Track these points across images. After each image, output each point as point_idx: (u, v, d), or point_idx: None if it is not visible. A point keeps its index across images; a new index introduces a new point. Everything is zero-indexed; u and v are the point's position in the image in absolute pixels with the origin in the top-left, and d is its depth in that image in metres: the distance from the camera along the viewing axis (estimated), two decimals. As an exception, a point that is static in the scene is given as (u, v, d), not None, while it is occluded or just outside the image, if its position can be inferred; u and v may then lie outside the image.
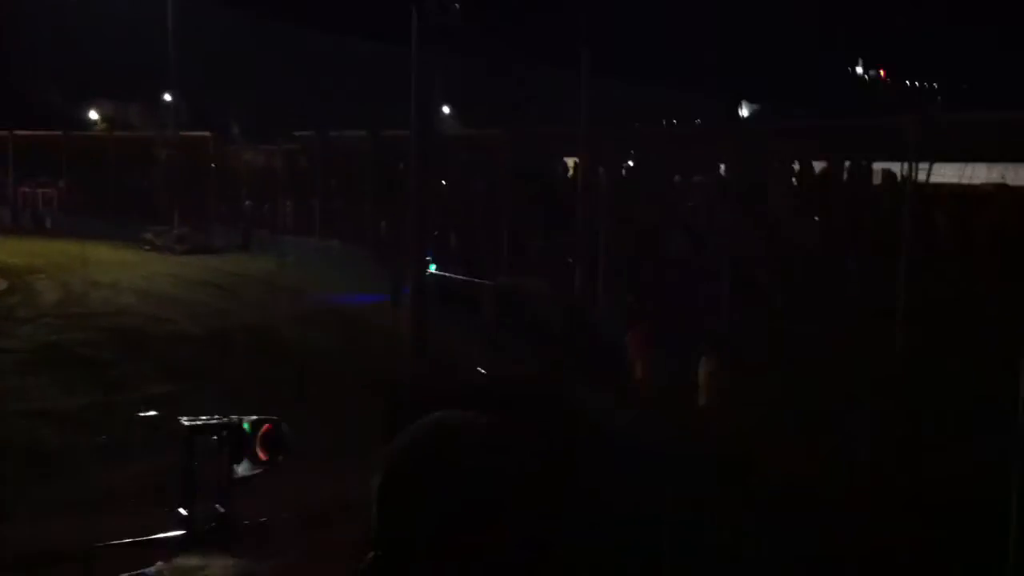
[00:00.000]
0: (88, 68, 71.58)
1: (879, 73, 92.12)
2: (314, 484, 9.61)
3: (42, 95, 67.56)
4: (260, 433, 5.98)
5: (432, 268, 22.83)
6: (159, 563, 5.30)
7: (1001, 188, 19.49)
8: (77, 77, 68.99)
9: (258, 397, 13.48)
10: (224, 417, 6.09)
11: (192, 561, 5.37)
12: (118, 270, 32.82)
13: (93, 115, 70.26)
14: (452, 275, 24.74)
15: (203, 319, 24.44)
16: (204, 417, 6.39)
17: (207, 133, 50.95)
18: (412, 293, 20.52)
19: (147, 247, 40.87)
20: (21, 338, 21.72)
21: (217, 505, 5.95)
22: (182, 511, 5.86)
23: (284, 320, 23.40)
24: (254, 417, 5.99)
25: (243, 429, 5.75)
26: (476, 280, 24.10)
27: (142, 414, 15.34)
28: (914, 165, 16.84)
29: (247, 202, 46.43)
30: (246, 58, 63.15)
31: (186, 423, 6.21)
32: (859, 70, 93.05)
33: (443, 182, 33.31)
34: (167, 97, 55.56)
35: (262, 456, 5.96)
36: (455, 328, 21.67)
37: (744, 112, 67.20)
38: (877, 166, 21.47)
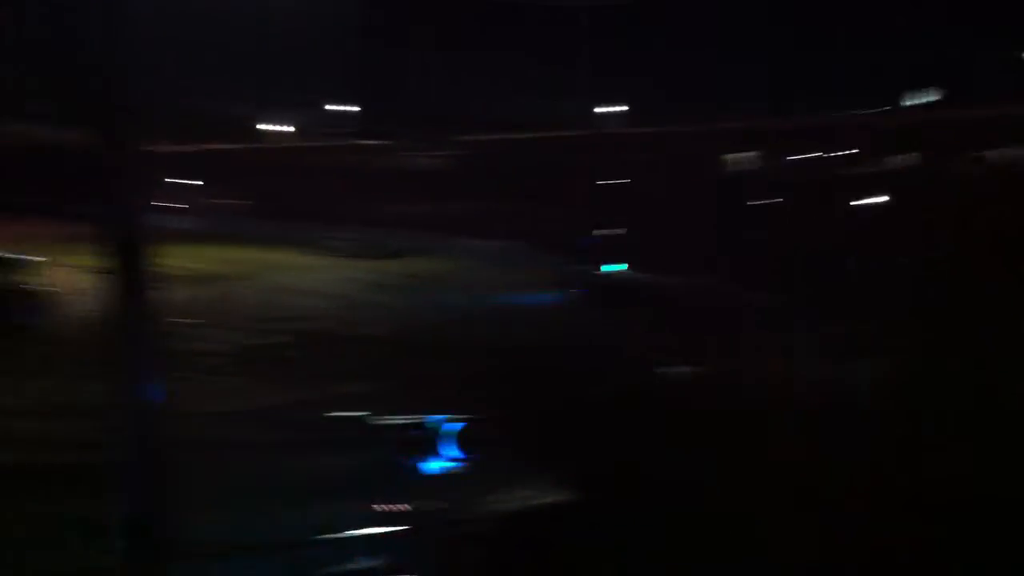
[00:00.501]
0: (268, 81, 74.68)
1: None
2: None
3: (227, 109, 70.93)
4: (454, 431, 6.11)
5: (615, 268, 22.79)
6: (360, 556, 5.48)
7: None
8: (260, 90, 72.14)
9: (443, 396, 13.73)
10: (418, 415, 6.25)
11: (388, 557, 5.53)
12: (304, 275, 34.12)
13: (274, 127, 73.22)
14: (635, 274, 24.64)
15: (387, 320, 25.15)
16: (398, 415, 6.57)
17: (380, 141, 52.43)
18: (591, 292, 20.55)
19: (330, 252, 42.26)
20: (218, 341, 22.77)
21: (410, 500, 6.08)
22: (378, 506, 6.00)
23: (464, 320, 23.80)
24: (448, 416, 6.11)
25: (437, 427, 5.89)
26: (657, 279, 23.92)
27: (334, 413, 15.95)
28: None
29: (423, 206, 47.40)
30: (400, 63, 64.48)
31: (380, 421, 6.40)
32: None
33: (619, 181, 33.19)
34: (339, 107, 57.47)
35: (456, 454, 6.08)
36: (638, 327, 21.54)
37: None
38: None
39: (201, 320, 25.01)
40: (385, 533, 5.65)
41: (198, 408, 15.32)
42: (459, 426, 5.42)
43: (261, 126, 71.51)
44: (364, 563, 6.55)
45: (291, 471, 12.97)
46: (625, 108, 53.79)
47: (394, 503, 5.59)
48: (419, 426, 5.43)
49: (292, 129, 69.55)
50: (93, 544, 9.89)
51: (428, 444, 5.41)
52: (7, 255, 25.75)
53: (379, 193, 48.81)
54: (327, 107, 60.84)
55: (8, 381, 18.91)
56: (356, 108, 55.13)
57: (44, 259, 25.96)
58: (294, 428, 15.13)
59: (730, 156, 30.09)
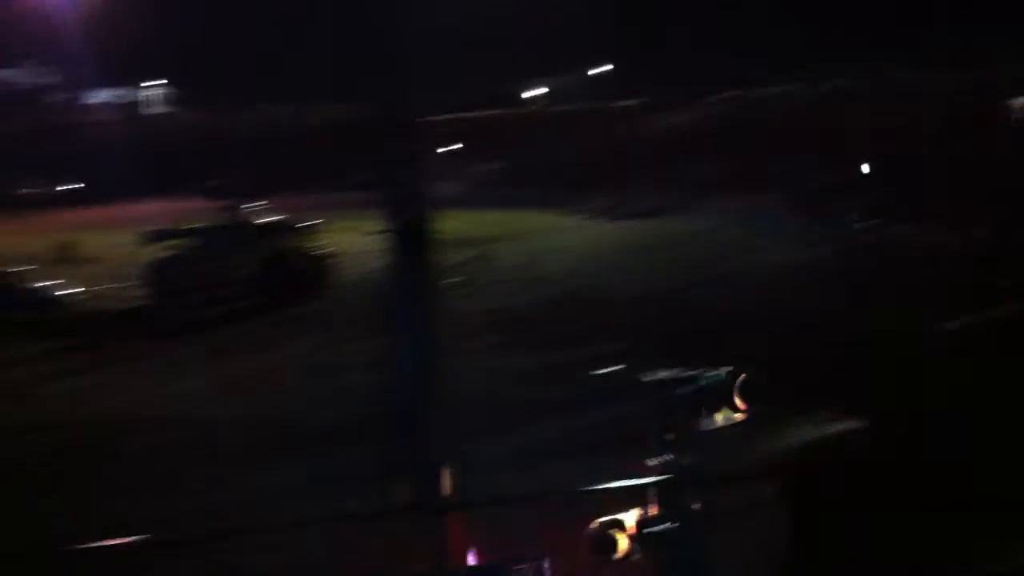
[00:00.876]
0: (521, 48, 76.05)
1: None
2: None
3: (480, 78, 72.89)
4: (737, 383, 5.98)
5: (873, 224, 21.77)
6: (635, 510, 5.54)
7: None
8: (509, 58, 73.70)
9: (706, 352, 13.64)
10: (689, 370, 6.22)
11: (664, 509, 5.57)
12: (561, 237, 34.82)
13: (529, 93, 74.72)
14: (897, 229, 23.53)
15: (642, 280, 25.27)
16: (666, 371, 6.63)
17: (632, 102, 52.41)
18: (850, 251, 19.78)
19: (585, 215, 42.90)
20: (484, 300, 23.71)
21: (685, 455, 6.03)
22: (654, 460, 5.98)
23: (717, 280, 23.57)
24: (730, 368, 5.98)
25: (720, 379, 5.77)
26: (923, 234, 22.76)
27: (597, 371, 16.25)
28: None
29: (679, 165, 47.08)
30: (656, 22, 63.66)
31: (656, 375, 6.46)
32: None
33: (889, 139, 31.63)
34: (595, 70, 57.86)
35: (741, 406, 5.96)
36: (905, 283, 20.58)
37: None
38: None
39: (464, 281, 26.15)
40: (656, 483, 5.73)
41: (467, 366, 16.06)
42: (733, 379, 5.40)
43: (522, 92, 73.20)
44: (633, 514, 6.69)
45: (557, 427, 13.40)
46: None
47: (665, 457, 5.64)
48: (691, 380, 5.45)
49: (547, 91, 70.90)
50: (365, 494, 10.62)
51: (702, 398, 5.43)
52: (291, 220, 27.86)
53: (635, 154, 48.93)
54: (583, 70, 61.58)
55: (290, 338, 20.50)
56: (609, 67, 55.33)
57: (321, 223, 27.83)
58: (558, 385, 15.56)
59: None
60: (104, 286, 28.26)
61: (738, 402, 5.46)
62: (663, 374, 6.43)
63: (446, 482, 7.99)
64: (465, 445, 9.28)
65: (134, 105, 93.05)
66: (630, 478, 6.39)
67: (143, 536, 9.06)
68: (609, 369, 13.75)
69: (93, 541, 8.72)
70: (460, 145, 60.71)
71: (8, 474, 12.29)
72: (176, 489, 11.52)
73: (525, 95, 74.00)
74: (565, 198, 44.00)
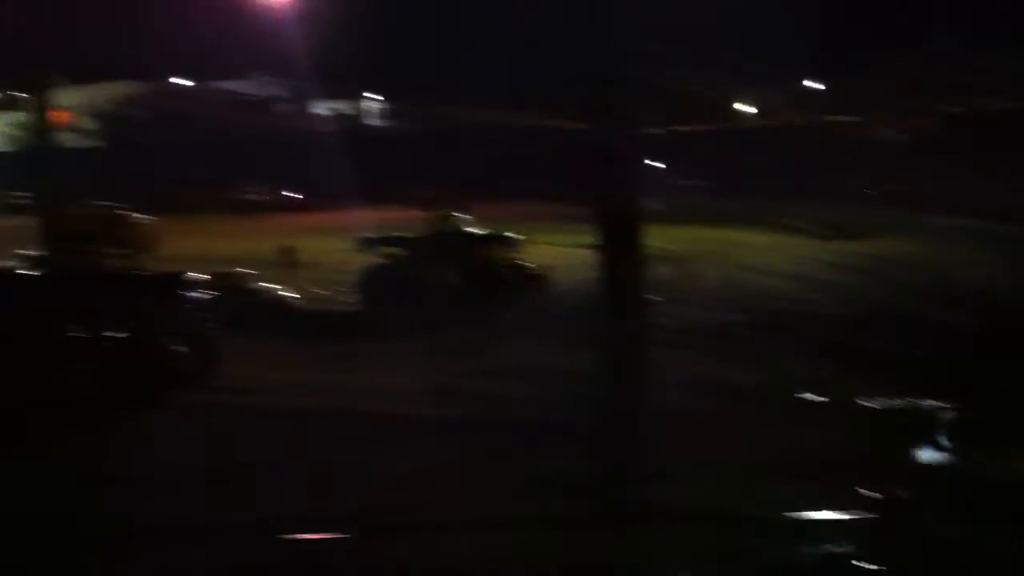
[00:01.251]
0: (732, 60, 74.84)
1: None
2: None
3: (693, 89, 72.17)
4: (947, 420, 5.85)
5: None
6: (844, 541, 5.45)
7: None
8: (723, 70, 72.64)
9: (914, 381, 13.15)
10: (908, 400, 6.06)
11: (871, 545, 5.44)
12: (767, 255, 34.13)
13: (740, 106, 73.65)
14: None
15: (851, 302, 24.50)
16: (884, 399, 6.44)
17: (844, 118, 50.91)
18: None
19: (792, 231, 41.88)
20: (678, 317, 23.48)
21: (891, 487, 5.88)
22: (865, 491, 5.85)
23: (935, 303, 22.55)
24: (940, 403, 5.85)
25: (931, 414, 5.67)
26: None
27: (800, 395, 15.89)
28: None
29: (889, 182, 45.39)
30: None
31: (868, 404, 6.31)
32: None
33: None
34: (808, 83, 56.38)
35: (948, 443, 5.82)
36: None
37: None
38: None
39: (664, 296, 26.01)
40: (859, 518, 5.53)
41: (666, 379, 16.02)
42: (949, 413, 5.17)
43: (731, 106, 72.26)
44: (833, 548, 6.48)
45: (757, 447, 13.17)
46: None
47: (872, 488, 5.45)
48: (905, 410, 5.23)
49: (756, 106, 69.67)
50: (560, 500, 10.79)
51: (916, 429, 5.21)
52: (499, 231, 28.50)
53: (843, 169, 47.46)
54: (794, 83, 60.20)
55: (498, 345, 20.98)
56: (820, 85, 53.87)
57: (523, 237, 28.35)
58: (758, 404, 15.31)
59: None
60: (320, 290, 29.81)
61: (946, 440, 5.31)
62: (876, 401, 6.27)
63: (644, 492, 8.07)
64: (665, 458, 9.33)
65: (353, 117, 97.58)
66: (837, 506, 6.22)
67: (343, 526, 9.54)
68: (809, 395, 13.49)
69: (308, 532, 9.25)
70: (665, 158, 60.46)
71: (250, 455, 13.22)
72: (383, 481, 12.04)
73: (734, 108, 72.99)
74: (771, 215, 43.07)
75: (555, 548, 8.02)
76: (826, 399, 15.22)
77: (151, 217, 38.18)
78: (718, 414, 14.91)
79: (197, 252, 31.33)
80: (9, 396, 14.71)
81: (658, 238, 33.50)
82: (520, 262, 27.25)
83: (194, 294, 17.41)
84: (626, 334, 7.30)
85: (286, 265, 32.74)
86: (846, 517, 6.40)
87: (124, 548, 9.40)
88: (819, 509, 7.65)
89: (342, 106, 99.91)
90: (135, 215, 37.62)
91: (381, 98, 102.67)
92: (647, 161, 58.72)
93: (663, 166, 60.56)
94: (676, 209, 56.48)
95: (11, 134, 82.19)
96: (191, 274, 17.83)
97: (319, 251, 38.08)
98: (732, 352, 19.66)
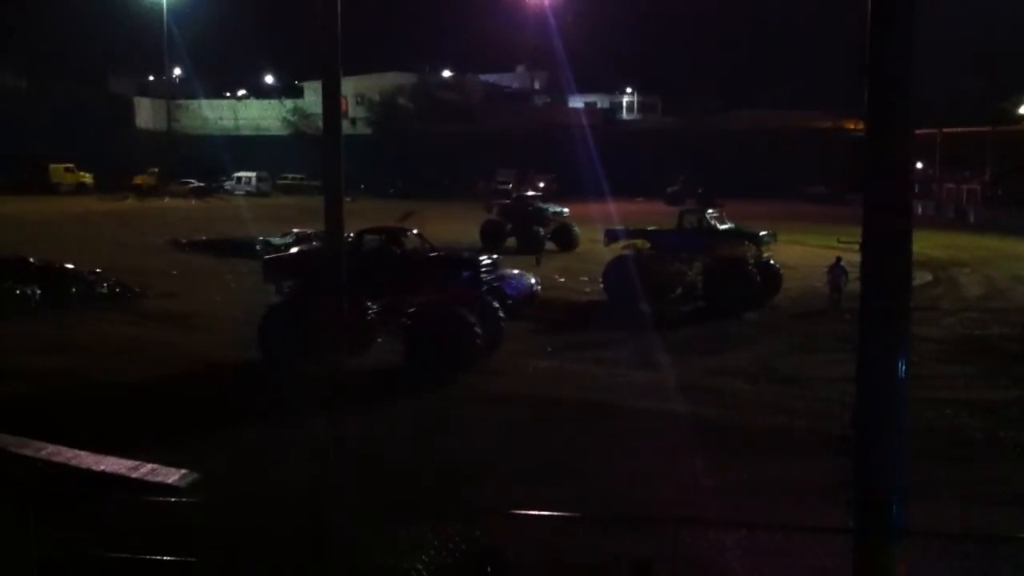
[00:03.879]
0: (1014, 59, 69.75)
1: None
2: None
3: (971, 89, 67.88)
4: None
5: None
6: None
7: None
8: (1005, 69, 67.83)
9: None
10: None
11: None
12: (1042, 266, 31.70)
13: (1022, 109, 68.50)
14: None
15: None
16: None
17: None
18: None
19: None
20: (943, 328, 22.27)
21: None
22: None
23: None
24: None
25: None
26: None
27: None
28: None
29: None
30: None
31: None
32: None
33: None
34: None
35: None
36: None
37: None
38: None
39: (926, 305, 24.72)
40: None
41: (929, 394, 15.30)
42: None
43: (1015, 108, 67.30)
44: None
45: (1009, 468, 12.40)
46: None
47: None
48: None
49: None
50: (799, 505, 10.52)
51: None
52: (745, 228, 27.94)
53: None
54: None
55: (744, 344, 20.62)
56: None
57: (774, 234, 27.66)
58: (1019, 426, 14.34)
59: None
60: (566, 279, 30.29)
61: None
62: None
63: (890, 509, 7.74)
64: (916, 475, 8.91)
65: (608, 111, 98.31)
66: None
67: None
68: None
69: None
70: (936, 160, 57.23)
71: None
72: (615, 474, 12.17)
73: (1015, 110, 67.95)
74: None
75: (786, 558, 7.89)
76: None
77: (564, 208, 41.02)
78: (974, 433, 14.08)
79: (449, 236, 32.66)
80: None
81: (923, 244, 32.07)
82: (767, 260, 26.61)
83: (485, 275, 18.72)
84: (887, 344, 6.99)
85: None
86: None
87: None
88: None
89: (599, 99, 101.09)
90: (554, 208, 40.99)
91: (636, 93, 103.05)
92: (920, 164, 55.93)
93: (935, 169, 57.52)
94: (949, 215, 53.62)
95: (291, 120, 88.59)
96: (484, 257, 19.30)
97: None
98: (997, 367, 18.43)
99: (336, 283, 16.70)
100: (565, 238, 39.17)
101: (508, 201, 43.43)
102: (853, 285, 24.97)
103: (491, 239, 38.26)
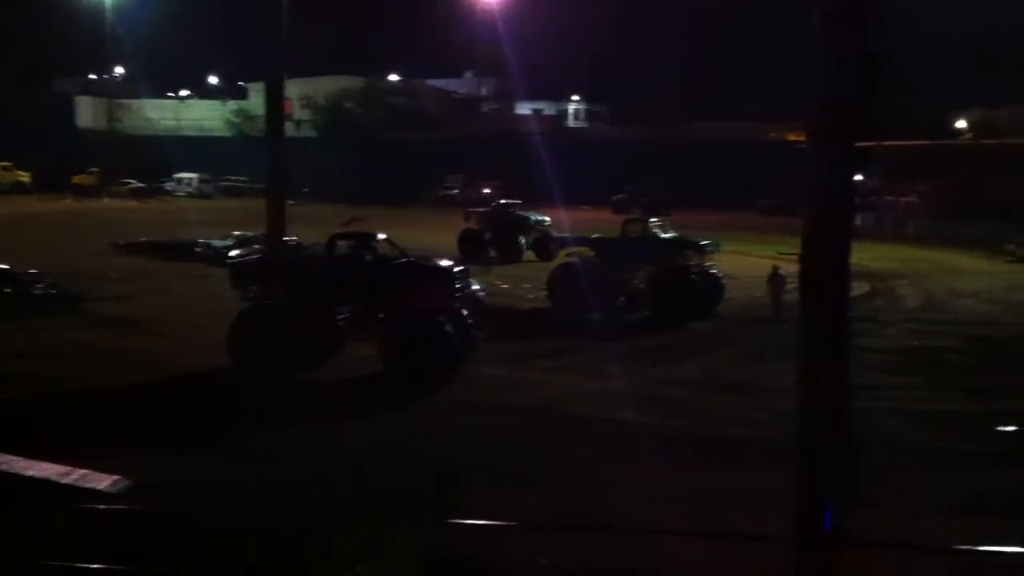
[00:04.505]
0: (957, 74, 71.10)
1: None
2: None
3: (909, 105, 69.05)
4: None
5: None
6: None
7: None
8: (946, 86, 69.16)
9: None
10: None
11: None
12: (978, 279, 32.31)
13: (960, 123, 69.86)
14: None
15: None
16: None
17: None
18: None
19: (1008, 258, 39.48)
20: (884, 338, 22.56)
21: None
22: None
23: None
24: None
25: None
26: None
27: (1003, 428, 14.99)
28: None
29: None
30: None
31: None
32: None
33: None
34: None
35: None
36: None
37: None
38: None
39: (866, 316, 25.02)
40: None
41: (873, 404, 15.43)
42: None
43: (953, 123, 68.67)
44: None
45: (955, 478, 12.55)
46: None
47: None
48: None
49: (981, 125, 65.80)
50: (748, 514, 10.54)
51: None
52: (691, 237, 28.08)
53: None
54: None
55: (690, 355, 20.72)
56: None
57: (717, 243, 27.87)
58: (964, 436, 14.55)
59: None
60: (506, 285, 30.16)
61: None
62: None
63: (834, 518, 7.78)
64: (862, 485, 8.97)
65: (556, 118, 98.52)
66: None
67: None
68: (1011, 428, 12.61)
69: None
70: (877, 173, 58.13)
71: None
72: (572, 483, 12.12)
73: (954, 125, 69.26)
74: (986, 238, 40.73)
75: (722, 566, 7.90)
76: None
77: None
78: (918, 443, 14.26)
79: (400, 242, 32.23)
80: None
81: (862, 255, 32.51)
82: (709, 269, 26.80)
83: (459, 282, 18.67)
84: (828, 354, 7.03)
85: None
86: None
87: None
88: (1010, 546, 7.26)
89: (547, 107, 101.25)
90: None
91: (589, 102, 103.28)
92: (860, 176, 56.59)
93: (877, 182, 58.34)
94: (888, 227, 54.42)
95: (234, 121, 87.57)
96: (456, 264, 19.31)
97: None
98: (938, 378, 18.72)
99: (287, 285, 16.54)
100: (545, 248, 37.17)
101: (487, 208, 42.19)
102: (792, 294, 25.67)
103: (469, 248, 36.80)
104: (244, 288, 19.05)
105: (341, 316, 18.46)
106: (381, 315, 18.02)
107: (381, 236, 19.73)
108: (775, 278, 24.99)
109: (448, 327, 17.38)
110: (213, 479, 11.69)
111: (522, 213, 40.54)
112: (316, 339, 17.87)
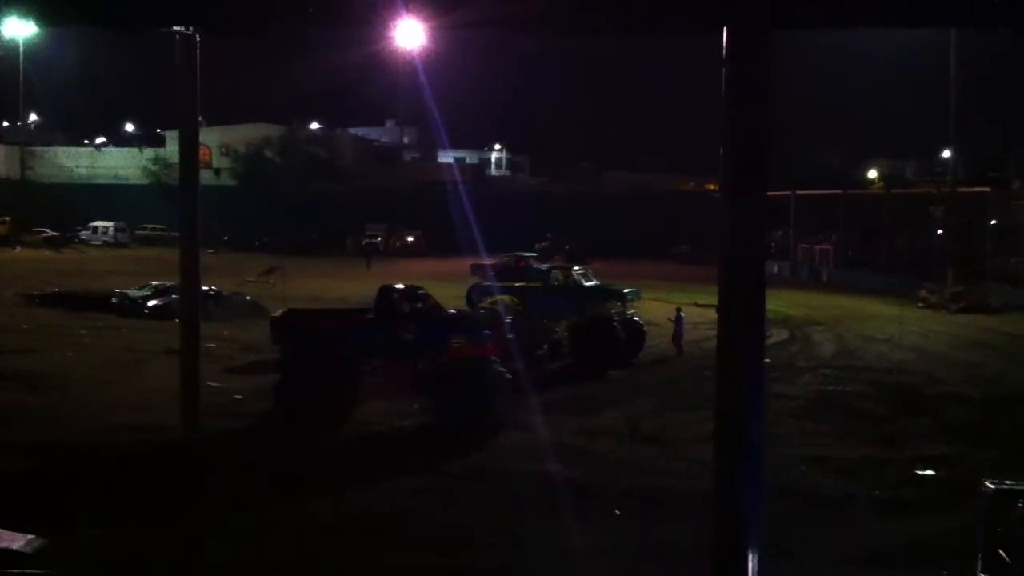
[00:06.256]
0: (864, 128, 73.56)
1: None
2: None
3: (822, 157, 71.10)
4: None
5: None
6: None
7: None
8: (855, 138, 71.41)
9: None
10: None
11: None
12: (891, 325, 33.02)
13: (870, 174, 72.03)
14: None
15: (980, 382, 23.48)
16: (1010, 482, 6.08)
17: (985, 189, 49.32)
18: None
19: (920, 304, 40.52)
20: (799, 385, 22.91)
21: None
22: None
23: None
24: None
25: None
26: None
27: (920, 472, 15.27)
28: None
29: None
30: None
31: (992, 486, 5.97)
32: None
33: None
34: (945, 154, 54.80)
35: None
36: None
37: None
38: None
39: (783, 363, 25.43)
40: None
41: (787, 451, 15.61)
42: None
43: (863, 174, 70.81)
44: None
45: (879, 529, 12.69)
46: None
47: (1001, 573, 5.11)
48: None
49: (890, 175, 68.01)
50: (672, 568, 10.54)
51: None
52: (611, 286, 28.40)
53: (980, 245, 45.89)
54: (930, 154, 58.57)
55: (610, 404, 20.75)
56: (948, 155, 52.18)
57: (638, 292, 28.18)
58: (876, 483, 14.76)
59: None
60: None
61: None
62: (998, 485, 5.91)
63: (749, 566, 7.78)
64: (774, 533, 9.01)
65: (477, 167, 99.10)
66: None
67: None
68: (928, 472, 12.82)
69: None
70: (790, 221, 59.43)
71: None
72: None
73: (864, 175, 71.41)
74: (898, 285, 41.76)
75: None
76: (943, 475, 14.66)
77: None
78: (829, 491, 14.42)
79: (319, 292, 31.95)
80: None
81: (776, 302, 32.86)
82: (632, 317, 27.02)
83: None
84: (745, 401, 7.07)
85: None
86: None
87: None
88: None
89: (469, 155, 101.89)
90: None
91: (510, 151, 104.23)
92: (776, 223, 57.86)
93: (792, 232, 59.68)
94: (804, 275, 55.66)
95: (152, 169, 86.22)
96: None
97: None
98: (851, 424, 19.03)
99: (190, 329, 16.25)
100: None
101: (500, 262, 38.74)
102: (691, 335, 26.36)
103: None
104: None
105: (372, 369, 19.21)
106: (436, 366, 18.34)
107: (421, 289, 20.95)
108: (677, 320, 27.25)
109: (508, 373, 18.11)
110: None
111: (540, 266, 35.54)
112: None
